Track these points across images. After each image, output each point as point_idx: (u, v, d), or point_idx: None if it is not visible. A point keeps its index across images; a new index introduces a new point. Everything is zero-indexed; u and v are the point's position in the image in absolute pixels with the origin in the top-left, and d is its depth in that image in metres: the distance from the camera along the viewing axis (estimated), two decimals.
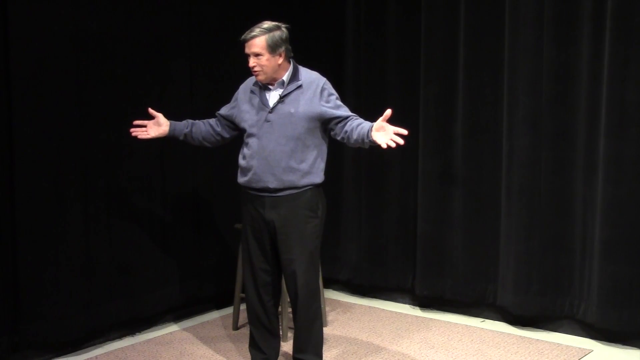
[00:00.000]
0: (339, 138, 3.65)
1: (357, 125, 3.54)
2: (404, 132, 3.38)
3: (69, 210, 4.13)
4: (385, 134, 3.40)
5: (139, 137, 3.82)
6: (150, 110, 3.82)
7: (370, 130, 3.45)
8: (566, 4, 4.37)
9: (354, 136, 3.53)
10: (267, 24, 3.57)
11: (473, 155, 4.79)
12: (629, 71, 4.15)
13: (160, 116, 3.83)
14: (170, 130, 3.84)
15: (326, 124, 3.65)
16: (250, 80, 3.77)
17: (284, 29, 3.60)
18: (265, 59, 3.56)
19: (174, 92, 4.64)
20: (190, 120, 3.90)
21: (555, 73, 4.43)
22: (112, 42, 4.28)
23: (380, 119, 3.43)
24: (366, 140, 3.47)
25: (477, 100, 4.75)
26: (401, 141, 3.36)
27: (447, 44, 4.82)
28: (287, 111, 3.60)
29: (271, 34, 3.55)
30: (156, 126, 3.84)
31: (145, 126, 3.82)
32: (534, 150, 4.51)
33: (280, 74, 3.63)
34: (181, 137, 3.87)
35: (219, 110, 3.89)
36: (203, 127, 3.87)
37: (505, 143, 4.61)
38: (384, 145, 3.37)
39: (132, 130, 3.81)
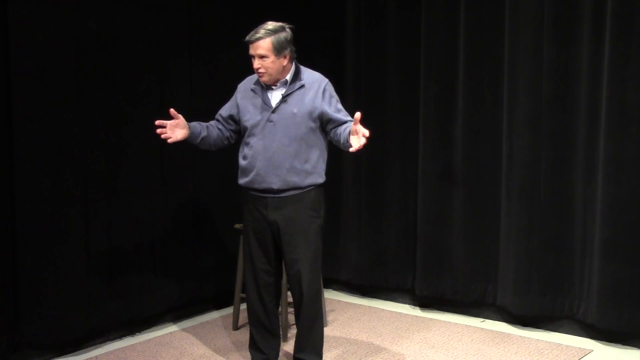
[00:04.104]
0: (333, 142, 3.68)
1: (343, 130, 3.57)
2: (366, 132, 3.39)
3: (69, 210, 4.13)
4: (357, 136, 3.43)
5: (168, 141, 3.61)
6: (173, 112, 3.61)
7: (349, 134, 3.48)
8: (566, 4, 4.37)
9: (341, 140, 3.56)
10: (271, 25, 3.54)
11: (473, 155, 4.79)
12: (629, 71, 4.15)
13: (181, 118, 3.64)
14: (190, 133, 3.68)
15: (323, 125, 3.65)
16: (250, 79, 3.76)
17: (288, 30, 3.58)
18: (270, 61, 3.54)
19: (174, 92, 4.63)
20: (202, 123, 3.77)
21: (555, 73, 4.43)
22: (112, 42, 4.28)
23: (352, 123, 3.45)
24: (346, 144, 3.50)
25: (477, 100, 4.75)
26: (363, 141, 3.38)
27: (447, 44, 4.82)
28: (290, 111, 3.60)
29: (276, 35, 3.52)
30: (178, 128, 3.64)
31: (164, 127, 3.61)
32: (534, 150, 4.51)
33: (284, 74, 3.63)
34: (197, 141, 3.74)
35: (217, 112, 3.84)
36: (214, 132, 3.78)
37: (505, 143, 4.61)
38: (353, 148, 3.40)
39: (159, 131, 3.59)
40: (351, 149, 3.43)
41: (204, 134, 3.75)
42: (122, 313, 4.46)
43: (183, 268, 4.78)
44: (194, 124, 3.76)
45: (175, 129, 3.65)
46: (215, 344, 4.44)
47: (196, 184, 4.84)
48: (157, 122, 3.61)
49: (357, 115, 3.41)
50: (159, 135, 3.60)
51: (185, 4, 4.68)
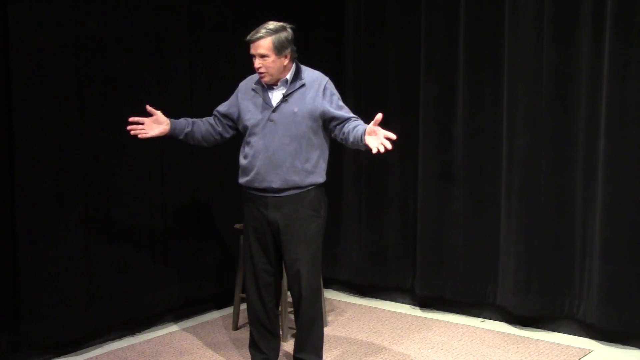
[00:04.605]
0: (338, 139, 3.65)
1: (353, 128, 3.53)
2: (393, 136, 3.37)
3: (69, 210, 4.13)
4: (377, 138, 3.39)
5: (139, 136, 3.68)
6: (149, 108, 3.67)
7: (363, 133, 3.45)
8: (566, 4, 4.37)
9: (350, 139, 3.53)
10: (272, 25, 3.55)
11: (473, 155, 4.79)
12: (629, 71, 4.15)
13: (159, 114, 3.69)
14: (171, 129, 3.71)
15: (326, 124, 3.65)
16: (251, 78, 3.76)
17: (289, 30, 3.58)
18: (271, 61, 3.54)
19: (174, 92, 4.64)
20: (189, 119, 3.80)
21: (555, 73, 4.43)
22: (112, 42, 4.28)
23: (372, 123, 3.43)
24: (360, 144, 3.47)
25: (477, 100, 4.75)
26: (389, 146, 3.35)
27: (447, 44, 4.82)
28: (291, 110, 3.59)
29: (277, 35, 3.53)
30: (156, 124, 3.69)
31: (142, 123, 3.67)
32: (534, 150, 4.51)
33: (284, 74, 3.62)
34: (181, 136, 3.77)
35: (217, 107, 3.84)
36: (203, 127, 3.80)
37: (505, 143, 4.61)
38: (374, 150, 3.36)
39: (130, 128, 3.66)
40: (371, 151, 3.37)
41: (188, 129, 3.76)
42: (122, 313, 4.46)
43: (183, 268, 4.78)
44: (180, 120, 3.77)
45: (152, 125, 3.68)
46: (215, 343, 4.44)
47: (196, 184, 4.84)
48: (132, 119, 3.65)
49: (379, 116, 3.40)
50: (131, 131, 3.64)
51: (185, 4, 4.68)
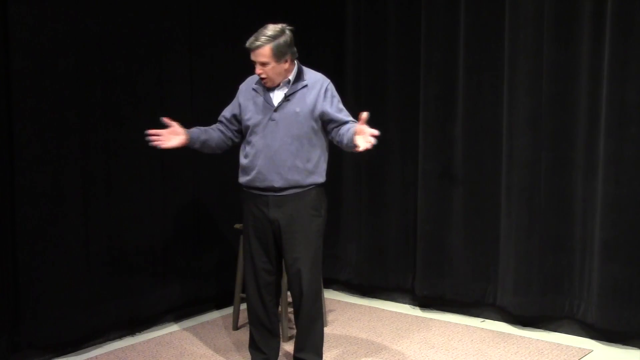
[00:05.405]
0: (334, 142, 3.67)
1: (347, 130, 3.54)
2: (376, 132, 3.35)
3: (69, 210, 4.13)
4: (364, 136, 3.39)
5: (161, 146, 3.61)
6: (166, 120, 3.62)
7: (353, 135, 3.45)
8: (566, 4, 4.37)
9: (345, 141, 3.55)
10: (271, 31, 3.53)
11: (473, 155, 4.79)
12: (629, 71, 4.15)
13: (175, 125, 3.64)
14: (187, 138, 3.67)
15: (325, 125, 3.65)
16: (251, 79, 3.76)
17: (288, 32, 3.56)
18: (271, 67, 3.54)
19: (174, 92, 4.64)
20: (201, 128, 3.77)
21: (555, 73, 4.43)
22: (112, 42, 4.28)
23: (359, 122, 3.43)
24: (351, 144, 3.47)
25: (477, 100, 4.75)
26: (373, 141, 3.34)
27: (447, 44, 4.82)
28: (293, 110, 3.60)
29: (276, 42, 3.51)
30: (173, 135, 3.64)
31: (159, 135, 3.61)
32: (534, 150, 4.51)
33: (286, 76, 3.63)
34: (197, 145, 3.73)
35: (221, 113, 3.82)
36: (215, 135, 3.77)
37: (505, 143, 4.61)
38: (361, 147, 3.35)
39: (152, 139, 3.59)
40: (358, 149, 3.38)
41: (203, 137, 3.74)
42: (122, 313, 4.46)
43: (183, 268, 4.78)
44: (193, 129, 3.74)
45: (169, 136, 3.63)
46: (215, 344, 4.44)
47: (196, 184, 4.84)
48: (150, 131, 3.60)
49: (364, 115, 3.40)
50: (151, 142, 3.59)
51: (185, 3, 4.68)
